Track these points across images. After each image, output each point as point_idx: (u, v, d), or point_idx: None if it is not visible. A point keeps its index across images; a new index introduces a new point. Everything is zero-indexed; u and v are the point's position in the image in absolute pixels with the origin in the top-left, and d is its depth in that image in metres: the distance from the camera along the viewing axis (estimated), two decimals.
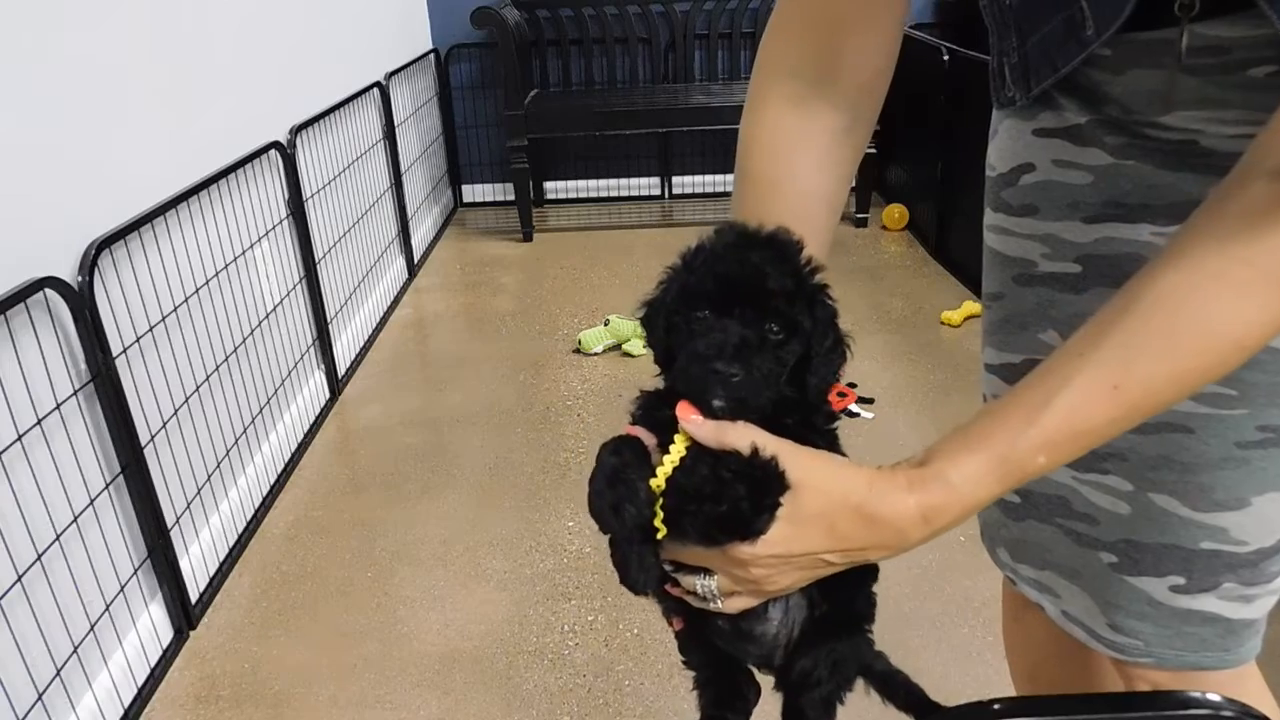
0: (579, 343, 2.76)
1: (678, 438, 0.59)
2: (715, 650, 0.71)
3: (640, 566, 0.61)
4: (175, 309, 1.77)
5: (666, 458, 0.59)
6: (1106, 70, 0.66)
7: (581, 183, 4.23)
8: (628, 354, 2.73)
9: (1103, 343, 0.54)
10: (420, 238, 3.63)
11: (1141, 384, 0.54)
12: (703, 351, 0.58)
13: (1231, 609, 0.71)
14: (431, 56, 3.92)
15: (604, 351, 2.75)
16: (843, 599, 0.68)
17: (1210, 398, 0.66)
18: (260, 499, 2.07)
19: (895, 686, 0.73)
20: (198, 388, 1.84)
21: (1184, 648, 0.73)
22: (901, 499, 0.56)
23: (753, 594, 0.63)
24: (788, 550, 0.58)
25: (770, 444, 0.58)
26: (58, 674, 1.40)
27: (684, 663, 0.74)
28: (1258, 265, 0.51)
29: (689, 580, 0.63)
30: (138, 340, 1.63)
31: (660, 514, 0.59)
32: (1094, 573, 0.75)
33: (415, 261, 3.48)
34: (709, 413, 0.59)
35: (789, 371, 0.60)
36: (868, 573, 0.69)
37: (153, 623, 1.63)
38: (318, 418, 2.44)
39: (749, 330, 0.58)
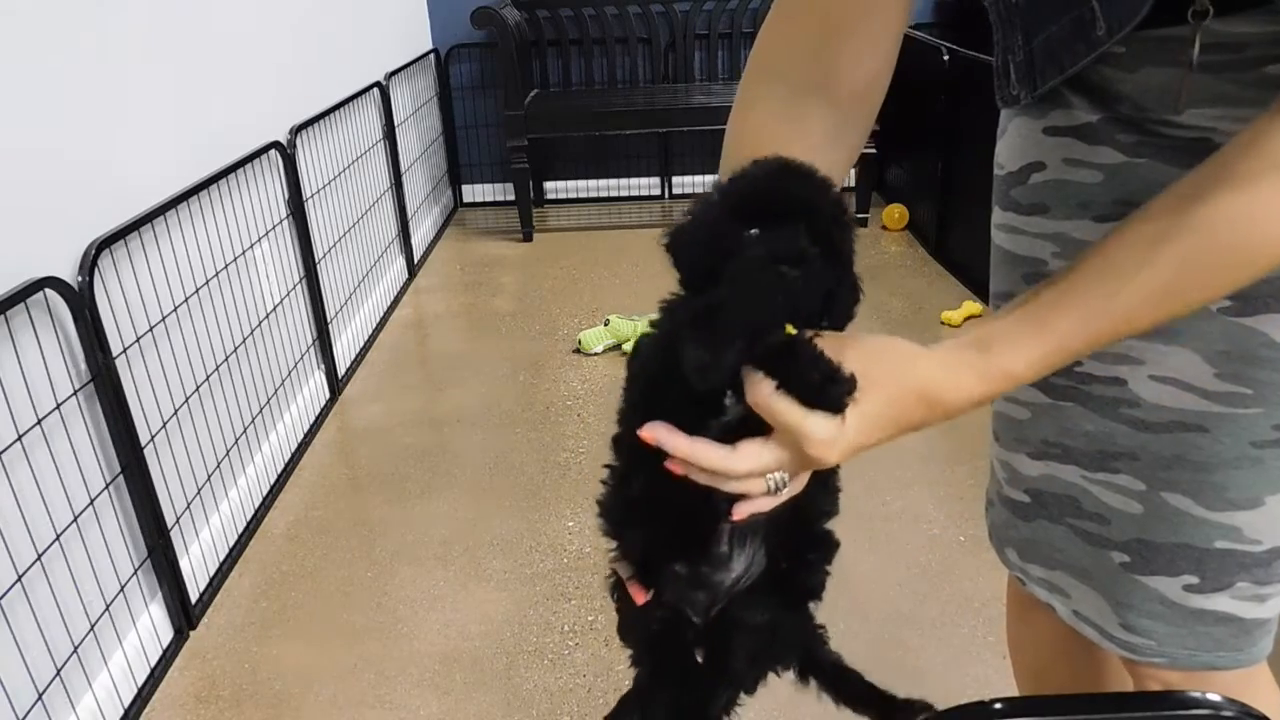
0: (579, 343, 2.76)
1: None
2: (657, 630, 0.70)
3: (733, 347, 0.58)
4: (175, 309, 1.77)
5: None
6: (1118, 68, 0.65)
7: (581, 183, 4.23)
8: (627, 354, 2.73)
9: (1162, 253, 0.57)
10: (420, 238, 3.63)
11: (1192, 293, 0.58)
12: (761, 254, 0.57)
13: (1245, 608, 0.71)
14: (431, 56, 3.92)
15: (604, 351, 2.75)
16: (803, 565, 0.68)
17: (1225, 397, 0.66)
18: (260, 499, 2.07)
19: (846, 681, 0.72)
20: (198, 388, 1.84)
21: (1197, 647, 0.73)
22: (970, 389, 0.60)
23: (812, 470, 0.63)
24: (860, 444, 0.60)
25: (834, 346, 0.59)
26: (58, 674, 1.40)
27: (623, 641, 0.73)
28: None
29: (757, 483, 0.60)
30: (138, 340, 1.63)
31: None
32: (1106, 572, 0.75)
33: (415, 261, 3.48)
34: (760, 326, 0.58)
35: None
36: (832, 549, 0.70)
37: (153, 623, 1.63)
38: (318, 418, 2.44)
39: (802, 243, 0.58)
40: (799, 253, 0.57)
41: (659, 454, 0.61)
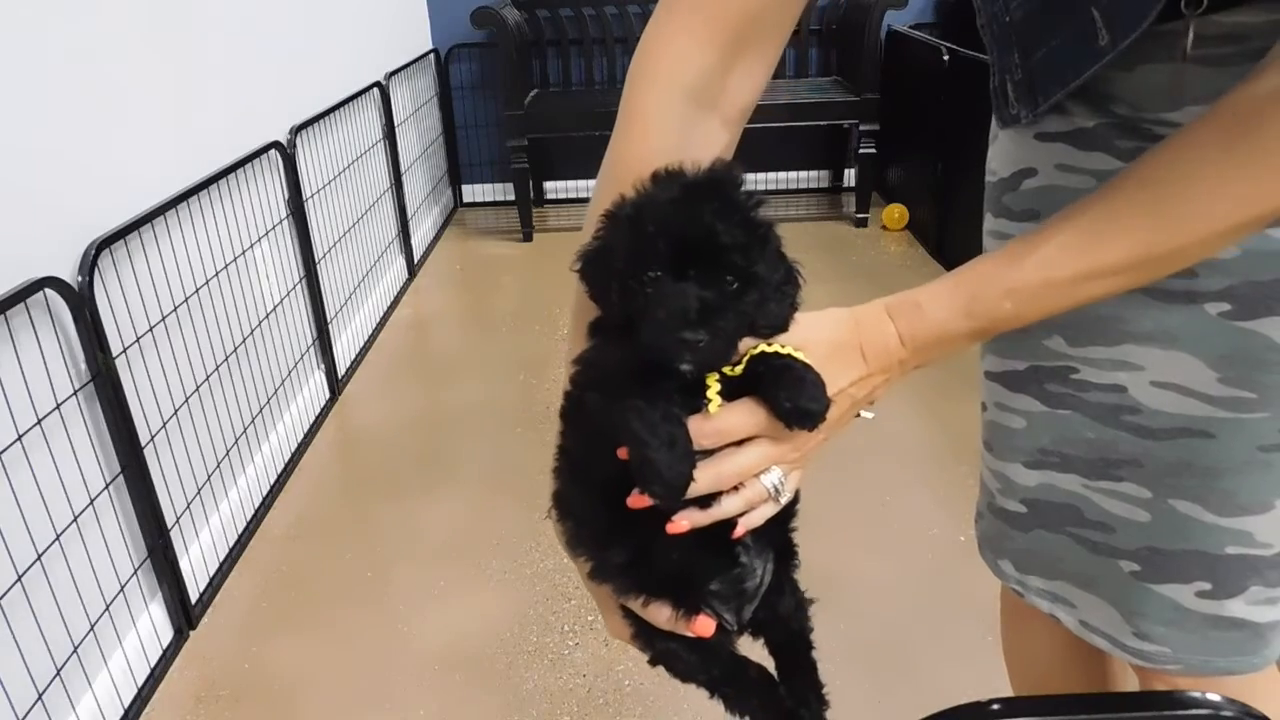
0: None
1: (709, 379, 0.60)
2: (726, 656, 0.70)
3: (684, 456, 0.58)
4: (175, 309, 1.77)
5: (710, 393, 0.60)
6: (1115, 67, 0.64)
7: (581, 183, 4.23)
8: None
9: (1090, 207, 0.58)
10: (420, 238, 3.63)
11: (1117, 243, 0.57)
12: (666, 321, 0.56)
13: (1258, 613, 0.71)
14: (431, 56, 3.92)
15: None
16: (785, 536, 0.69)
17: (1230, 401, 0.65)
18: (260, 499, 2.07)
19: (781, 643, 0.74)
20: (198, 388, 1.84)
21: (1212, 653, 0.72)
22: (884, 325, 0.63)
23: (800, 465, 0.65)
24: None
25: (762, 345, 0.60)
26: (58, 674, 1.40)
27: (695, 683, 0.72)
28: (1248, 144, 0.53)
29: (756, 487, 0.61)
30: (138, 340, 1.63)
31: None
32: (1114, 581, 0.74)
33: (415, 261, 3.48)
34: (679, 375, 0.59)
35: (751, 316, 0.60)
36: (791, 512, 0.70)
37: (153, 623, 1.63)
38: (318, 418, 2.44)
39: (708, 291, 0.57)
40: (700, 310, 0.56)
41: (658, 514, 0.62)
